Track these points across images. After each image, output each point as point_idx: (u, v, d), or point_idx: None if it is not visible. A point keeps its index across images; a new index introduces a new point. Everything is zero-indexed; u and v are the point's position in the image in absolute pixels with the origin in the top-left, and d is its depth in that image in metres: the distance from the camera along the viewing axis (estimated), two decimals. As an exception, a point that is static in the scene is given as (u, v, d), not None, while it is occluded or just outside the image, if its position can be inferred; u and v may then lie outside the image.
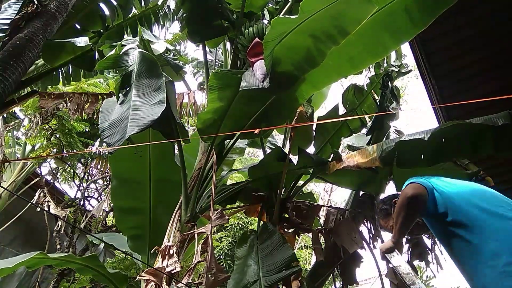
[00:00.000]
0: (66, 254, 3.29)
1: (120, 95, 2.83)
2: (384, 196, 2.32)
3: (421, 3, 2.57)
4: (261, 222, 3.49)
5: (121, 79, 2.93)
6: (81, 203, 6.50)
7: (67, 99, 4.45)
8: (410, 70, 4.17)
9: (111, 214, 6.59)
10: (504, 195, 1.77)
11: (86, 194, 6.82)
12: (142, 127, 2.41)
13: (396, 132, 4.21)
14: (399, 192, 2.14)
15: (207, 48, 4.07)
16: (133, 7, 4.76)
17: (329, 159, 3.42)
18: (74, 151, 5.52)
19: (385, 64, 4.08)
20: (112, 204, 5.97)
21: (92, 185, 7.30)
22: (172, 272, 2.46)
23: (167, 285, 2.44)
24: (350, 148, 4.07)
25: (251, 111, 3.06)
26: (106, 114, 2.70)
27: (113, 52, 3.09)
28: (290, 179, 3.64)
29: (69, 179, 6.88)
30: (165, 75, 2.95)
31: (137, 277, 2.88)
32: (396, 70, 3.93)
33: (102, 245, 5.97)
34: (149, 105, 2.62)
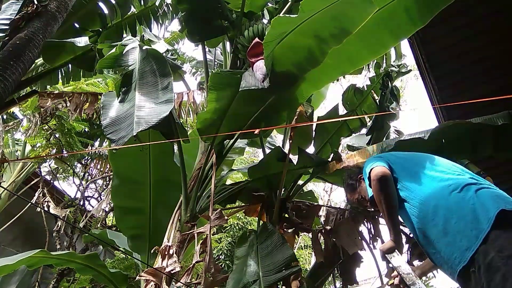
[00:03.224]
0: (67, 252, 3.29)
1: (120, 93, 2.82)
2: (351, 172, 2.41)
3: (420, 1, 2.57)
4: (261, 222, 3.49)
5: (122, 78, 2.92)
6: (81, 203, 6.50)
7: (67, 98, 4.44)
8: (410, 70, 4.17)
9: (111, 214, 6.59)
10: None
11: (85, 194, 6.82)
12: (148, 125, 2.40)
13: (396, 132, 4.22)
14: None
15: (206, 48, 4.07)
16: (132, 6, 4.75)
17: (329, 159, 3.41)
18: (74, 151, 5.51)
19: (385, 64, 4.08)
20: (112, 204, 5.99)
21: (92, 185, 7.30)
22: (172, 272, 2.46)
23: (167, 285, 2.44)
24: (350, 148, 4.07)
25: (251, 111, 3.06)
26: (107, 110, 2.69)
27: (113, 51, 3.08)
28: (290, 179, 3.64)
29: (69, 179, 6.89)
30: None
31: (137, 277, 2.88)
32: (396, 70, 3.93)
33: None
34: (155, 104, 2.61)
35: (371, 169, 1.89)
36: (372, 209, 2.98)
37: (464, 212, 1.60)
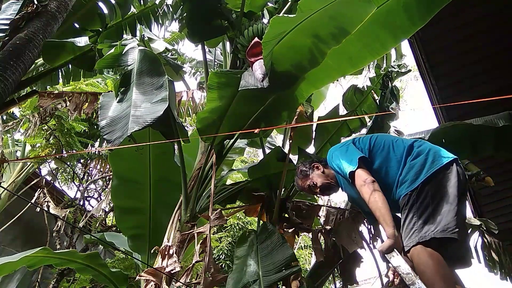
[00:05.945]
0: (68, 250, 3.29)
1: (119, 93, 2.81)
2: (305, 161, 2.78)
3: (419, 1, 2.57)
4: (261, 222, 3.49)
5: (121, 78, 2.91)
6: (81, 203, 6.50)
7: (66, 98, 4.43)
8: (410, 70, 4.17)
9: (111, 214, 6.59)
10: (504, 195, 1.84)
11: (85, 194, 6.81)
12: (143, 125, 2.38)
13: (396, 132, 4.21)
14: (318, 158, 2.72)
15: (206, 48, 4.06)
16: (132, 6, 4.75)
17: (329, 159, 3.40)
18: (73, 151, 5.51)
19: (385, 65, 4.08)
20: (112, 204, 6.00)
21: (92, 185, 7.30)
22: (172, 272, 2.46)
23: (167, 285, 2.44)
24: (350, 148, 4.05)
25: (250, 111, 3.06)
26: (105, 111, 2.67)
27: (112, 51, 3.07)
28: (290, 179, 3.63)
29: (69, 180, 6.88)
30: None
31: (137, 277, 2.88)
32: (396, 70, 3.92)
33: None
34: (150, 103, 2.59)
35: (352, 171, 2.16)
36: (322, 196, 3.28)
37: (422, 155, 2.11)
